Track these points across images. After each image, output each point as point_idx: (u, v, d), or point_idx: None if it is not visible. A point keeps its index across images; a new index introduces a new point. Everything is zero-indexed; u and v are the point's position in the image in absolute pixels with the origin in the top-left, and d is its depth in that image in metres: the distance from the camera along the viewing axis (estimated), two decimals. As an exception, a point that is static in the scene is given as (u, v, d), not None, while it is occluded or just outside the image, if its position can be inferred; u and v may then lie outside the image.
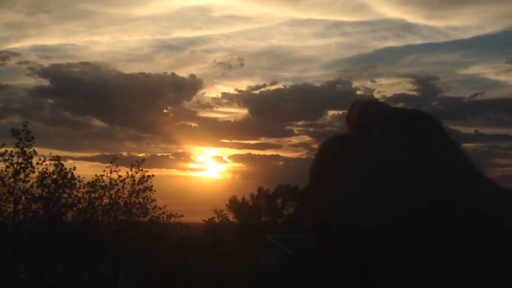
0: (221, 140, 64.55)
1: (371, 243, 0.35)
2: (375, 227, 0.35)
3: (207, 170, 62.22)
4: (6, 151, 14.77)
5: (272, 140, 67.98)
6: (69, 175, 15.43)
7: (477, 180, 0.38)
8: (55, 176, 15.22)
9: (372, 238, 0.35)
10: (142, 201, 16.30)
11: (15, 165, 14.80)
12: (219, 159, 61.44)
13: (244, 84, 75.48)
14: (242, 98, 66.62)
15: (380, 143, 0.40)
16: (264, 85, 66.30)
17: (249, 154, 64.82)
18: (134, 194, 16.24)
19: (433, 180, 0.36)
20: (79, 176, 15.72)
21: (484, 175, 0.38)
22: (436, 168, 0.37)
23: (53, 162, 15.33)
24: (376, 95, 64.81)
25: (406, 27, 72.14)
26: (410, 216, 0.34)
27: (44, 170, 15.17)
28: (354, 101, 0.49)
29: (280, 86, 68.02)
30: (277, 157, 66.47)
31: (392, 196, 0.36)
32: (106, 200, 15.95)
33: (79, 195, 15.63)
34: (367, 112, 0.46)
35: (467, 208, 0.34)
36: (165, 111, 63.43)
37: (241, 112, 70.78)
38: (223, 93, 66.79)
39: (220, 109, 66.12)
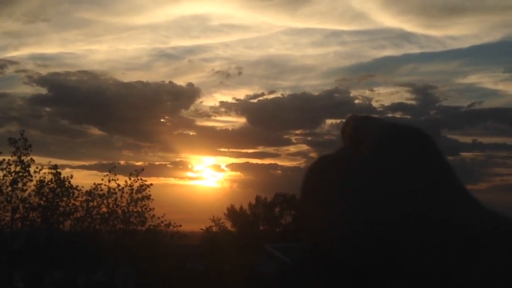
0: (219, 149, 64.48)
1: (362, 257, 0.37)
2: (363, 233, 0.37)
3: (205, 178, 62.17)
4: (3, 159, 14.83)
5: (270, 149, 67.83)
6: (67, 184, 15.46)
7: (465, 199, 0.39)
8: (52, 185, 15.25)
9: (362, 250, 0.37)
10: (140, 210, 16.31)
11: (12, 174, 14.84)
12: (217, 167, 61.44)
13: (242, 93, 75.43)
14: (240, 107, 66.58)
15: (367, 160, 0.42)
16: (262, 94, 66.22)
17: (247, 163, 64.77)
18: (132, 203, 16.23)
19: (429, 185, 0.38)
20: (77, 186, 15.77)
21: (469, 193, 0.40)
22: (428, 176, 0.39)
23: (51, 171, 15.38)
24: (374, 104, 64.81)
25: (404, 36, 72.35)
26: (405, 219, 0.36)
27: (42, 178, 15.23)
28: (349, 115, 0.51)
29: (278, 95, 67.98)
30: (275, 166, 66.41)
31: (383, 202, 0.37)
32: (104, 209, 15.96)
33: (77, 203, 15.65)
34: (360, 127, 0.47)
35: (466, 210, 0.36)
36: (162, 120, 63.38)
37: (239, 121, 70.66)
38: (221, 102, 66.77)
39: (218, 117, 66.08)
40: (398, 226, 0.36)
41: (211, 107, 65.59)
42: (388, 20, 68.82)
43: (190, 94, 63.70)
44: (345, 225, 0.38)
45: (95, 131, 60.42)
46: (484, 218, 0.36)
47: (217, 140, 65.98)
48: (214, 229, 16.60)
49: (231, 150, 63.76)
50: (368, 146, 0.44)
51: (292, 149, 66.27)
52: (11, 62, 58.30)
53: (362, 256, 0.37)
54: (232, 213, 42.88)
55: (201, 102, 68.02)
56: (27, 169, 14.86)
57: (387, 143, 0.43)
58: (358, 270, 0.37)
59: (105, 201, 15.96)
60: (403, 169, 0.40)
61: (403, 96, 70.88)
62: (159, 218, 16.27)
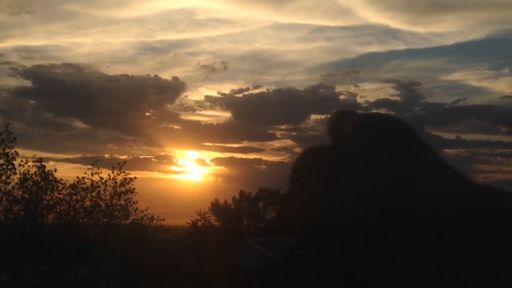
0: (203, 143, 64.55)
1: (350, 239, 0.36)
2: (350, 223, 0.37)
3: (190, 173, 62.24)
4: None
5: (254, 144, 67.97)
6: (51, 177, 15.38)
7: (453, 175, 0.40)
8: (36, 178, 15.17)
9: (351, 233, 0.36)
10: (123, 203, 16.26)
11: (-4, 167, 14.71)
12: (202, 162, 61.42)
13: (227, 88, 75.47)
14: (225, 102, 66.56)
15: (349, 151, 0.43)
16: (247, 89, 66.25)
17: (232, 157, 64.95)
18: (116, 196, 16.18)
19: (409, 175, 0.38)
20: (61, 179, 15.69)
21: (454, 168, 0.41)
22: (409, 164, 0.39)
23: (35, 164, 15.29)
24: (359, 100, 64.96)
25: (390, 33, 72.64)
26: (390, 211, 0.36)
27: (26, 171, 15.13)
28: (333, 111, 0.52)
29: (263, 90, 68.01)
30: (259, 161, 66.60)
31: (365, 194, 0.37)
32: (88, 202, 15.90)
33: (61, 197, 15.57)
34: (341, 122, 0.48)
35: (454, 202, 0.36)
36: (147, 113, 63.34)
37: (224, 115, 70.73)
38: (206, 96, 66.72)
39: (203, 112, 66.10)
40: (380, 219, 0.36)
41: (196, 101, 65.59)
42: (374, 17, 69.10)
43: (175, 88, 63.63)
44: (329, 221, 0.38)
45: (80, 124, 60.44)
46: (475, 204, 0.35)
47: (201, 134, 66.16)
48: (200, 223, 16.59)
49: (215, 144, 63.83)
50: (347, 138, 0.45)
51: (276, 144, 66.51)
52: (-5, 53, 57.79)
53: (348, 252, 0.36)
54: (216, 207, 42.92)
55: (186, 96, 68.16)
56: (11, 162, 14.79)
57: (364, 134, 0.43)
58: (346, 266, 0.37)
59: (88, 195, 15.90)
60: (381, 160, 0.40)
61: (388, 92, 71.19)
62: (142, 211, 16.24)
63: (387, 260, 0.35)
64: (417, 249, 0.34)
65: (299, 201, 0.41)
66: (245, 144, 66.94)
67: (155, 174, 60.67)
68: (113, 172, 16.32)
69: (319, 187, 0.40)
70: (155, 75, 64.15)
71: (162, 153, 63.23)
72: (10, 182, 14.85)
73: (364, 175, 0.39)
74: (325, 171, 0.41)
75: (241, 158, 66.38)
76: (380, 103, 65.57)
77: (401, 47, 71.31)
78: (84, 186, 15.90)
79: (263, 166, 65.73)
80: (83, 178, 15.96)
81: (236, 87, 70.06)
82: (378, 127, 0.44)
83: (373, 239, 0.35)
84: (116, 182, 16.23)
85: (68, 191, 15.69)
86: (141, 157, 58.84)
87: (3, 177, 14.75)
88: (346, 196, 0.38)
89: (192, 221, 16.46)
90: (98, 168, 16.18)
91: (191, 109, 65.08)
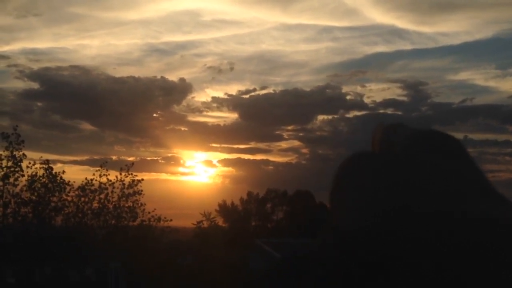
0: (211, 145, 64.57)
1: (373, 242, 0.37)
2: (375, 226, 0.37)
3: (197, 174, 62.43)
4: (-5, 154, 14.75)
5: (261, 145, 67.92)
6: (59, 179, 15.46)
7: (493, 197, 0.41)
8: (44, 180, 15.24)
9: (372, 237, 0.37)
10: (131, 205, 16.32)
11: (4, 169, 14.81)
12: (209, 163, 61.51)
13: (234, 89, 75.65)
14: (232, 103, 66.61)
15: (396, 158, 0.44)
16: (254, 90, 66.25)
17: (239, 158, 64.96)
18: (123, 198, 16.25)
19: (445, 190, 0.39)
20: (69, 181, 15.76)
21: (499, 193, 0.42)
22: (450, 181, 0.41)
23: (43, 166, 15.36)
24: (366, 100, 64.94)
25: (396, 33, 72.58)
26: (434, 215, 0.37)
27: (34, 173, 15.20)
28: (379, 122, 0.53)
29: (270, 90, 68.01)
30: (266, 162, 66.56)
31: (413, 198, 0.38)
32: (95, 204, 15.96)
33: (69, 199, 15.65)
34: (392, 133, 0.50)
35: (480, 215, 0.37)
36: (154, 115, 63.49)
37: (231, 116, 70.93)
38: (213, 97, 66.80)
39: (210, 113, 66.15)
40: (425, 222, 0.36)
41: (203, 103, 65.68)
42: (380, 17, 69.10)
43: (182, 89, 63.72)
44: (369, 214, 0.38)
45: (87, 126, 60.47)
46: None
47: (209, 135, 66.31)
48: (205, 224, 16.62)
49: (223, 145, 63.94)
50: (400, 147, 0.46)
51: (283, 145, 66.47)
52: (3, 56, 58.23)
53: (349, 253, 0.38)
54: (224, 208, 42.91)
55: (193, 97, 68.30)
56: (19, 164, 14.86)
57: (419, 144, 0.45)
58: (346, 266, 0.38)
59: (96, 197, 15.95)
60: (434, 169, 0.41)
61: (394, 92, 71.25)
62: (149, 212, 16.28)
63: (387, 260, 0.36)
64: (417, 249, 0.35)
65: (341, 196, 0.42)
66: (252, 145, 66.99)
67: (163, 176, 60.90)
68: (120, 174, 16.43)
69: (365, 185, 0.41)
70: (161, 77, 64.31)
71: (170, 155, 63.51)
72: (18, 184, 14.95)
73: (411, 182, 0.40)
74: (373, 173, 0.42)
75: (249, 159, 66.39)
76: (387, 103, 65.57)
77: (408, 47, 71.25)
78: (92, 188, 15.99)
79: (271, 167, 65.77)
80: (91, 180, 16.07)
81: (242, 88, 70.40)
82: (431, 141, 0.46)
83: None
84: (123, 184, 16.33)
85: (76, 193, 15.77)
86: (149, 158, 59.12)
87: (11, 179, 14.83)
88: (391, 198, 0.39)
89: (197, 222, 16.49)
90: (107, 170, 16.29)
91: (198, 110, 65.20)
